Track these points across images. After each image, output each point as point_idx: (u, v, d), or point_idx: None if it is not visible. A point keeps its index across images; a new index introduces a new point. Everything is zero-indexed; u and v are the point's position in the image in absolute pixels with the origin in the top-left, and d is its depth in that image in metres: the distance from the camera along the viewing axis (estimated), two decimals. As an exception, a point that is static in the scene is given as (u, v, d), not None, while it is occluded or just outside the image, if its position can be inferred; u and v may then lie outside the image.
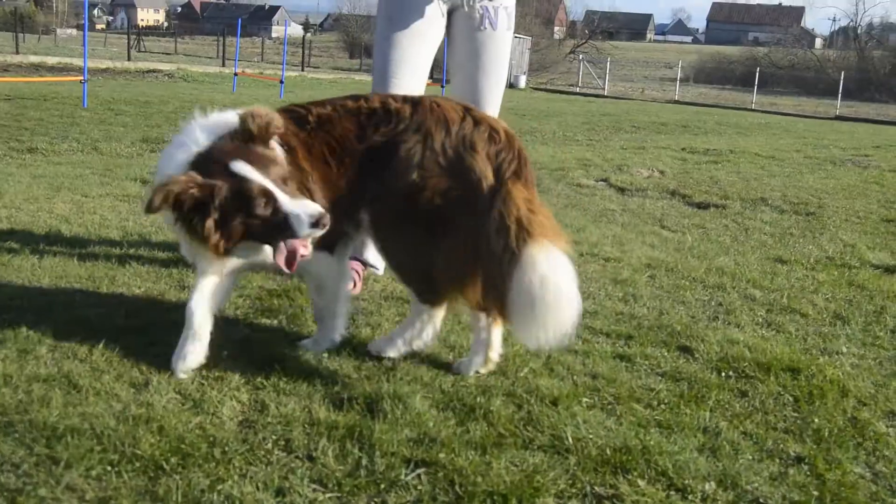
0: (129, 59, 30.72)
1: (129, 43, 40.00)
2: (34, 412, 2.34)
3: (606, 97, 32.50)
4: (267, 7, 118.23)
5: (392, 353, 2.91)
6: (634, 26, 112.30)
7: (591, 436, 2.43)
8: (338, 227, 2.69)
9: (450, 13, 3.81)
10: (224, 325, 3.09)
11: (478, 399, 2.60)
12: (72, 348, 2.78)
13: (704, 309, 3.83)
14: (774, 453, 2.45)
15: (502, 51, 3.87)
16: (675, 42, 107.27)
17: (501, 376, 2.82)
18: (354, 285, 3.61)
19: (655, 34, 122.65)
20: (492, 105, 3.85)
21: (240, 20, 27.53)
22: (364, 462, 2.20)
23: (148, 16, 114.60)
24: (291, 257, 2.57)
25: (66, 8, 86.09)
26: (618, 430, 2.48)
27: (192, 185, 2.45)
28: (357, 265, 3.70)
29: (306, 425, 2.38)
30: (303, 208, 2.51)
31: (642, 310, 3.71)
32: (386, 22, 3.73)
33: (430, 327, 2.91)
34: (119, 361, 2.72)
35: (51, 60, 25.83)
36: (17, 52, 29.05)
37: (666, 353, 3.19)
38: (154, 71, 25.71)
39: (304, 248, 2.58)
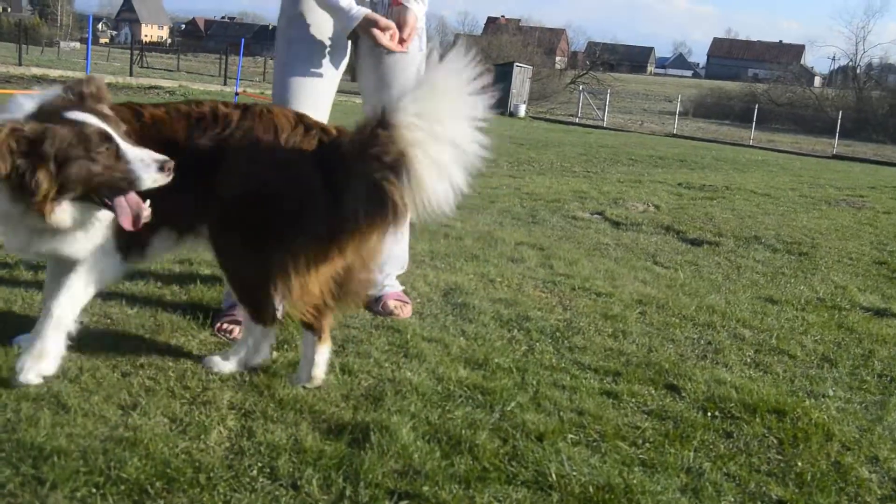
0: (131, 75, 30.81)
1: (132, 58, 40.13)
2: (22, 431, 2.35)
3: (605, 129, 32.63)
4: (271, 27, 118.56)
5: (225, 370, 2.92)
6: (636, 59, 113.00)
7: (574, 473, 2.44)
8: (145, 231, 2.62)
9: (358, 36, 3.59)
10: (213, 349, 3.12)
11: (464, 432, 2.61)
12: (61, 367, 2.78)
13: (693, 347, 3.85)
14: (756, 496, 2.47)
15: (412, 73, 3.66)
16: (675, 76, 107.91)
17: (488, 410, 2.83)
18: None
19: (656, 67, 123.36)
20: None
21: (242, 40, 27.60)
22: (348, 492, 2.21)
23: (152, 31, 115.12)
24: (136, 216, 2.49)
25: (70, 21, 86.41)
26: (601, 468, 2.50)
27: (20, 130, 2.33)
28: None
29: (292, 453, 2.39)
30: (146, 153, 2.44)
31: (631, 346, 3.73)
32: (286, 45, 3.57)
33: (265, 345, 2.97)
34: (108, 382, 2.73)
35: (53, 73, 25.86)
36: (20, 64, 29.08)
37: (653, 391, 3.21)
38: (156, 87, 25.78)
39: (146, 209, 2.50)
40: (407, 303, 3.90)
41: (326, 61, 3.58)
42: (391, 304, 3.82)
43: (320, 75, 3.57)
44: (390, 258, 3.91)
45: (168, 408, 2.59)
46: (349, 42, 3.64)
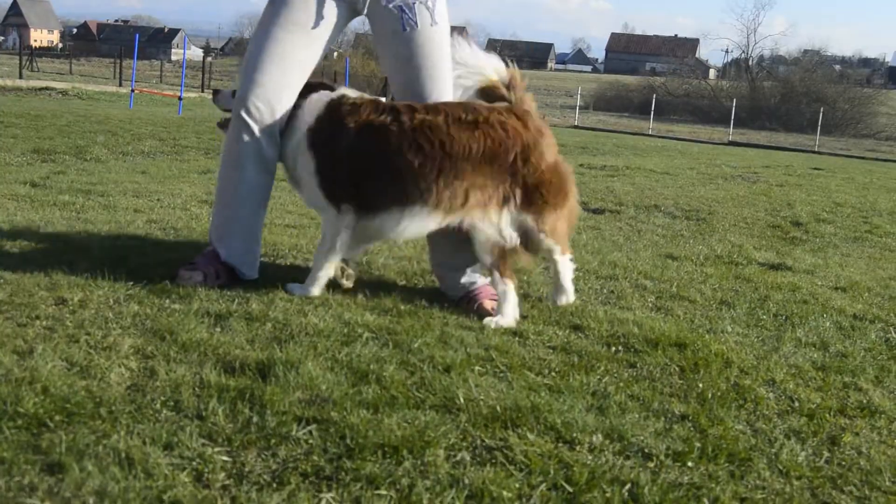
0: (20, 78, 29.94)
1: (20, 62, 39.01)
2: (-90, 378, 2.26)
3: (508, 121, 32.84)
4: (166, 30, 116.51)
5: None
6: (536, 55, 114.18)
7: (482, 397, 2.46)
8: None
9: (368, 16, 3.56)
10: (114, 303, 3.05)
11: (371, 366, 2.61)
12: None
13: (597, 296, 3.92)
14: (660, 413, 2.52)
15: (434, 48, 3.50)
16: (575, 71, 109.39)
17: (395, 348, 2.83)
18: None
19: (556, 63, 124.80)
20: None
21: (137, 36, 26.91)
22: (255, 420, 2.19)
23: (41, 36, 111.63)
24: None
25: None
26: (509, 393, 2.52)
27: None
28: None
29: (196, 388, 2.35)
30: None
31: (535, 294, 3.77)
32: (269, 8, 3.47)
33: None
34: (2, 332, 2.65)
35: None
36: None
37: (558, 331, 3.25)
38: (47, 88, 25.07)
39: None
40: None
41: (308, 29, 3.44)
42: (488, 304, 3.49)
43: (298, 42, 3.43)
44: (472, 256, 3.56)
45: (66, 353, 2.52)
46: (337, 12, 3.48)
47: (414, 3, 3.47)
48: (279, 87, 3.40)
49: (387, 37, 3.54)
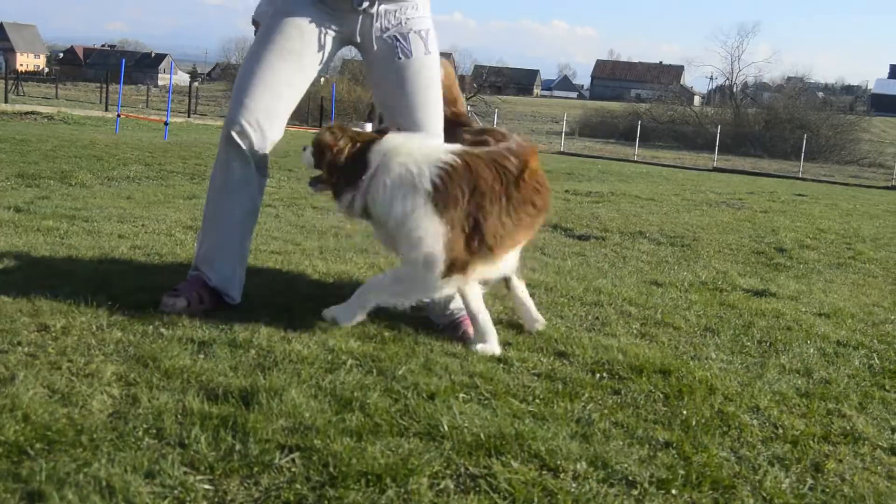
0: (6, 102, 29.92)
1: (6, 86, 39.01)
2: None
3: (494, 147, 33.00)
4: (153, 55, 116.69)
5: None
6: (522, 81, 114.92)
7: (466, 424, 2.45)
8: None
9: (359, 48, 3.57)
10: (96, 330, 3.04)
11: (355, 394, 2.60)
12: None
13: (581, 322, 3.92)
14: (644, 440, 2.52)
15: (426, 78, 3.52)
16: (561, 97, 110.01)
17: (379, 375, 2.83)
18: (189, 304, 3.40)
19: (542, 89, 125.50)
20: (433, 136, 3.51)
21: (123, 60, 26.87)
22: (237, 448, 2.18)
23: (28, 61, 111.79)
24: None
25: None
26: (493, 420, 2.52)
27: None
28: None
29: (179, 415, 2.34)
30: None
31: (520, 321, 3.77)
32: (263, 34, 3.48)
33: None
34: (-16, 360, 2.63)
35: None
36: None
37: (542, 358, 3.25)
38: (33, 113, 25.03)
39: None
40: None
41: (302, 56, 3.45)
42: (471, 330, 3.45)
43: (290, 69, 3.43)
44: None
45: (48, 380, 2.50)
46: (326, 47, 3.50)
47: (408, 33, 3.48)
48: (269, 113, 3.40)
49: (381, 65, 3.53)
